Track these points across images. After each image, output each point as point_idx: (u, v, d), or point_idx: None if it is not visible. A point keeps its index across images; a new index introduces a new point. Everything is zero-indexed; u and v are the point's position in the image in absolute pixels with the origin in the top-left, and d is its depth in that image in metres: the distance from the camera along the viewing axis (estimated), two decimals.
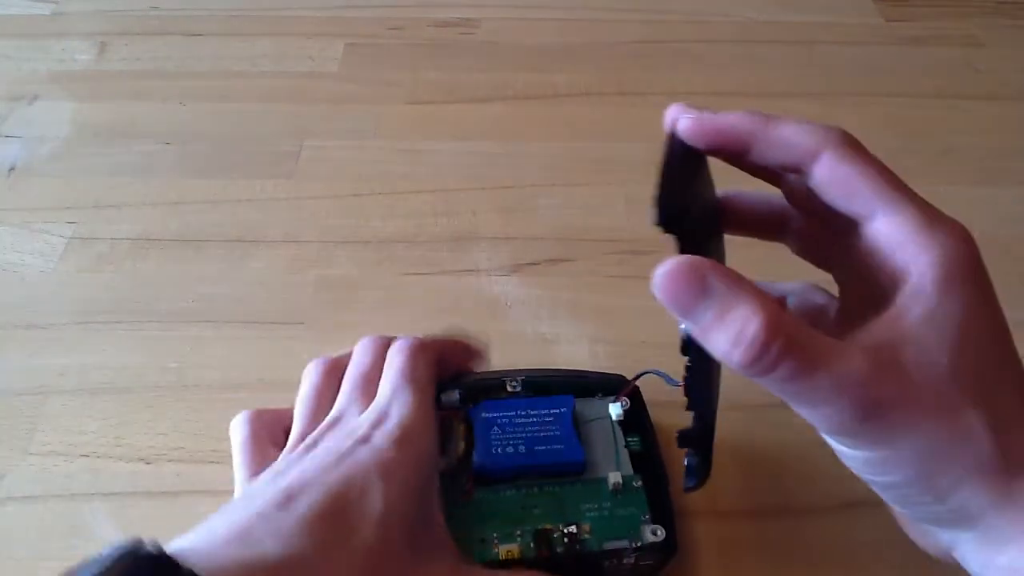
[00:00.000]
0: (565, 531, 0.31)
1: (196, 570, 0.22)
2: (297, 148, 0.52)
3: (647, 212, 0.23)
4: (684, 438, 0.29)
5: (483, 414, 0.34)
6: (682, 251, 0.24)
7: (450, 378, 0.35)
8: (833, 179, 0.26)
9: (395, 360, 0.33)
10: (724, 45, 0.61)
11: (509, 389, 0.35)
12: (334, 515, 0.26)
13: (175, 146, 0.53)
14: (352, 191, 0.50)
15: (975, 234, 0.25)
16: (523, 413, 0.34)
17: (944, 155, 0.52)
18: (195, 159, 0.52)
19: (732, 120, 0.27)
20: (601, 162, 0.52)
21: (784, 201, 0.30)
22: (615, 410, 0.35)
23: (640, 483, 0.33)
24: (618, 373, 0.36)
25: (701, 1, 0.65)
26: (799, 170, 0.27)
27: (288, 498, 0.26)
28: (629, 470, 0.33)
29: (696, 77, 0.58)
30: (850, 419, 0.23)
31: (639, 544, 0.31)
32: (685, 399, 0.28)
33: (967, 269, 0.25)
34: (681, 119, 0.27)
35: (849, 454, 0.25)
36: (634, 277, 0.44)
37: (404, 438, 0.29)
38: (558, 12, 0.64)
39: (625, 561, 0.31)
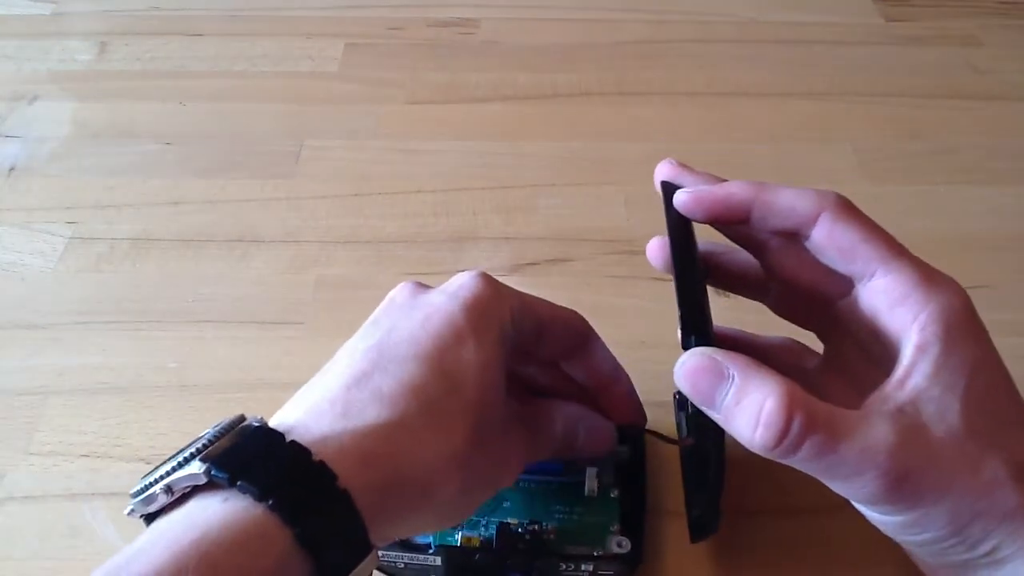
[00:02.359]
0: (529, 528, 0.31)
1: (313, 447, 0.22)
2: (297, 148, 0.52)
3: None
4: (700, 499, 0.29)
5: None
6: (697, 341, 0.26)
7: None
8: (831, 242, 0.27)
9: None
10: (724, 45, 0.61)
11: None
12: (435, 372, 0.25)
13: (175, 146, 0.53)
14: (352, 191, 0.50)
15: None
16: None
17: (944, 155, 0.52)
18: (195, 159, 0.52)
19: (730, 191, 0.28)
20: (601, 162, 0.52)
21: (755, 264, 0.31)
22: None
23: (617, 493, 0.32)
24: None
25: (701, 1, 0.65)
26: (797, 234, 0.28)
27: (380, 356, 0.25)
28: (609, 479, 0.33)
29: (696, 77, 0.58)
30: (881, 488, 0.24)
31: (601, 553, 0.31)
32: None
33: (967, 321, 0.26)
34: (678, 194, 0.29)
35: (881, 519, 0.26)
36: (634, 277, 0.44)
37: (492, 292, 0.28)
38: (558, 12, 0.64)
39: (583, 568, 0.30)
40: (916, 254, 0.27)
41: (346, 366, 0.26)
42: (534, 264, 0.45)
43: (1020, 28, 0.63)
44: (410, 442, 0.24)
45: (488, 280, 0.29)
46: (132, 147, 0.52)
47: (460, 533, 0.31)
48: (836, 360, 0.31)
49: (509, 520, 0.31)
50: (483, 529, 0.31)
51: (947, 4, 0.65)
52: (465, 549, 0.31)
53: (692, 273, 0.28)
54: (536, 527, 0.31)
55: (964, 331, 0.25)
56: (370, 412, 0.24)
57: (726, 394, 0.25)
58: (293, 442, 0.23)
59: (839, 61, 0.59)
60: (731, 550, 0.34)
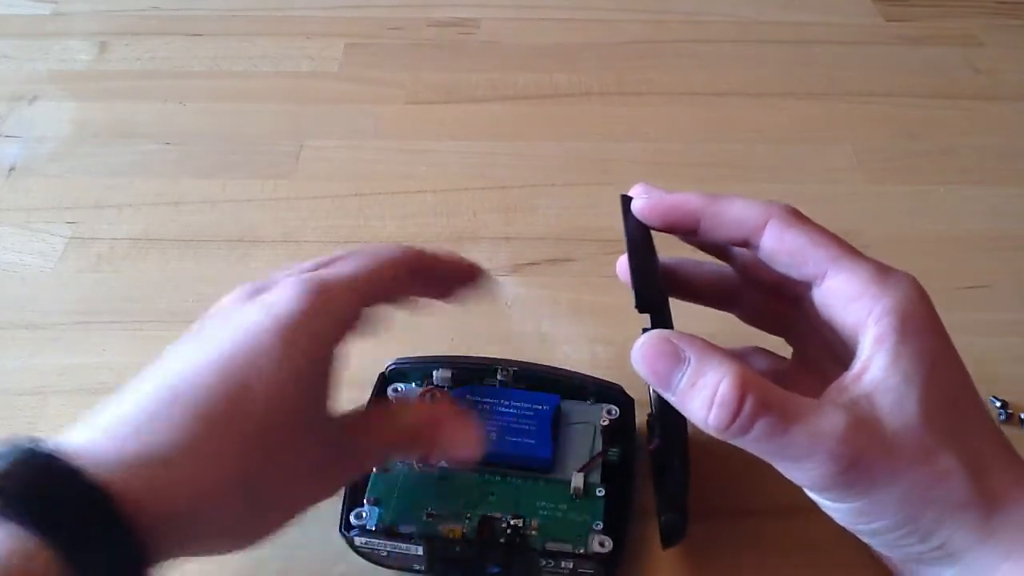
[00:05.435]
0: (511, 523, 0.31)
1: (92, 470, 0.22)
2: (297, 148, 0.52)
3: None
4: (666, 502, 0.30)
5: (466, 396, 0.34)
6: (654, 325, 0.27)
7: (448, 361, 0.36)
8: (781, 247, 0.27)
9: (359, 247, 0.31)
10: (724, 45, 0.61)
11: (499, 378, 0.36)
12: (223, 400, 0.24)
13: (175, 146, 0.53)
14: (352, 191, 0.50)
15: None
16: (505, 403, 0.34)
17: (944, 155, 0.52)
18: (195, 159, 0.52)
19: (681, 199, 0.29)
20: (601, 162, 0.52)
21: (732, 273, 0.32)
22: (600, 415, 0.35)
23: (603, 493, 0.32)
24: (618, 384, 0.36)
25: (701, 1, 0.65)
26: (747, 243, 0.28)
27: (181, 384, 0.25)
28: (596, 478, 0.33)
29: (696, 77, 0.58)
30: (831, 472, 0.24)
31: (582, 551, 0.31)
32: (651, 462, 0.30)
33: (923, 314, 0.26)
34: (636, 199, 0.30)
35: (833, 507, 0.26)
36: None
37: (312, 303, 0.27)
38: (558, 12, 0.64)
39: (563, 565, 0.30)
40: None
41: (153, 387, 0.25)
42: (534, 264, 0.45)
43: (1020, 28, 0.63)
44: (195, 469, 0.23)
45: (308, 296, 0.27)
46: (132, 147, 0.52)
47: (443, 525, 0.31)
48: (805, 360, 0.32)
49: (493, 513, 0.32)
50: (466, 521, 0.31)
51: (947, 4, 0.65)
52: (447, 540, 0.31)
53: (649, 264, 0.29)
54: (519, 522, 0.31)
55: (920, 323, 0.25)
56: (162, 439, 0.23)
57: (682, 376, 0.25)
58: (83, 478, 0.22)
59: (839, 61, 0.59)
60: (716, 551, 0.34)
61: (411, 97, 0.56)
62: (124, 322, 0.42)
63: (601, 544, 0.31)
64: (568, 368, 0.37)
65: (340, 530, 0.31)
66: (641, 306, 0.28)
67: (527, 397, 0.35)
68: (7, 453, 0.22)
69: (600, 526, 0.31)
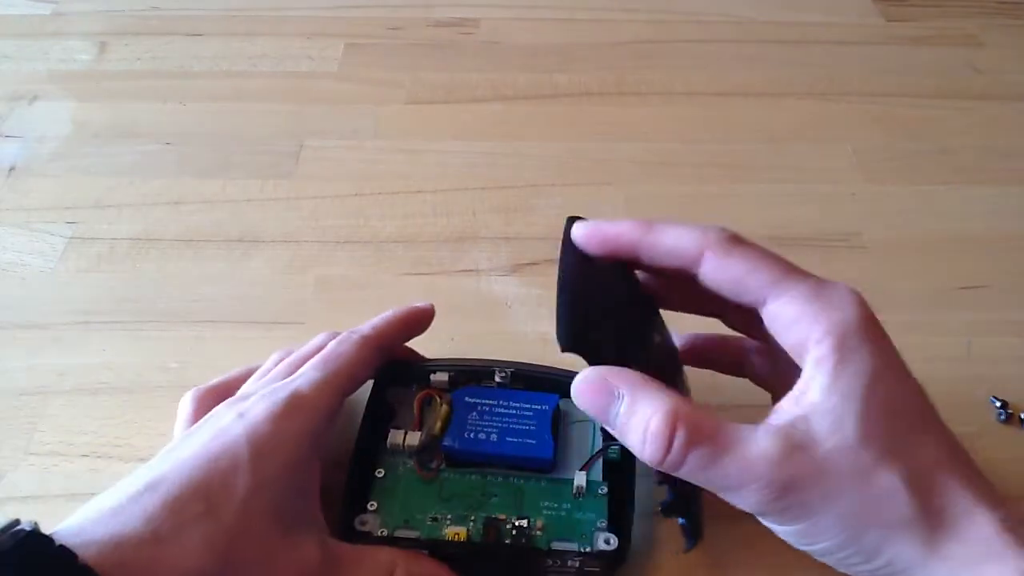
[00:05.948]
0: (516, 524, 0.31)
1: (69, 546, 0.23)
2: (297, 148, 0.52)
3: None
4: (668, 508, 0.30)
5: (465, 398, 0.35)
6: (592, 363, 0.27)
7: (433, 361, 0.37)
8: (719, 275, 0.27)
9: (327, 346, 0.33)
10: (724, 45, 0.61)
11: (497, 379, 0.36)
12: (196, 495, 0.26)
13: (175, 146, 0.53)
14: (352, 191, 0.50)
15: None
16: (504, 404, 0.34)
17: (944, 155, 0.52)
18: (195, 159, 0.52)
19: (618, 228, 0.29)
20: (601, 162, 0.52)
21: (739, 342, 0.33)
22: None
23: (606, 491, 0.33)
24: None
25: (701, 1, 0.65)
26: (688, 272, 0.28)
27: (160, 479, 0.27)
28: (598, 476, 0.33)
29: (696, 77, 0.58)
30: (766, 499, 0.25)
31: (588, 550, 0.31)
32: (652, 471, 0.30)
33: (862, 329, 0.26)
34: (576, 225, 0.29)
35: (779, 529, 0.26)
36: None
37: (285, 414, 0.29)
38: (558, 12, 0.64)
39: (569, 564, 0.30)
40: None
41: (137, 479, 0.27)
42: (534, 264, 0.45)
43: (1020, 28, 0.63)
44: (160, 554, 0.25)
45: (281, 410, 0.29)
46: (132, 147, 0.52)
47: (448, 528, 0.31)
48: (780, 375, 0.31)
49: (497, 515, 0.32)
50: (471, 523, 0.31)
51: (947, 4, 0.65)
52: (452, 543, 0.31)
53: (593, 293, 0.28)
54: (524, 522, 0.31)
55: (859, 341, 0.25)
56: (136, 523, 0.25)
57: (618, 411, 0.26)
58: (61, 546, 0.23)
59: (839, 61, 0.59)
60: (719, 550, 0.34)
61: (411, 97, 0.56)
62: (124, 322, 0.42)
63: (607, 542, 0.31)
64: (568, 368, 0.37)
65: (342, 537, 0.31)
66: (563, 345, 0.27)
67: (526, 397, 0.35)
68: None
69: (604, 523, 0.32)
